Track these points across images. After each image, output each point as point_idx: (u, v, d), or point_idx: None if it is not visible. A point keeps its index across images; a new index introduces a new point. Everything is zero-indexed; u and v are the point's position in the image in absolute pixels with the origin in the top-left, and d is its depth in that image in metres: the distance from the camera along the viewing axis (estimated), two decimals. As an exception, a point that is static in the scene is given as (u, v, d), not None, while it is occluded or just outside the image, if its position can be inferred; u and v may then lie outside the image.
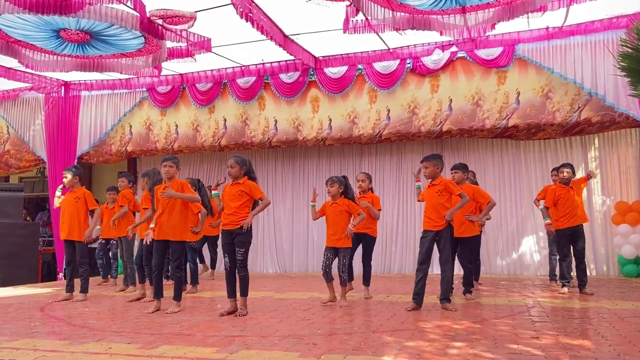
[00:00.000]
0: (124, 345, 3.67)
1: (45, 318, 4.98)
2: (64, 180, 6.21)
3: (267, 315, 4.90)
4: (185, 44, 7.26)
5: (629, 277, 7.58)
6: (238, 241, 4.88)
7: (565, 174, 6.08)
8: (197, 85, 9.39)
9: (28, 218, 11.76)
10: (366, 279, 6.02)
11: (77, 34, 6.64)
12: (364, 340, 3.71)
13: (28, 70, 8.52)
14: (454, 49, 8.02)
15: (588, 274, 7.77)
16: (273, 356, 3.29)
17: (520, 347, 3.45)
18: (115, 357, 3.32)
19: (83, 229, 6.14)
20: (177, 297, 5.24)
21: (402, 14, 6.27)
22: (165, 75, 9.32)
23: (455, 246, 5.59)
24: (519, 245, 8.53)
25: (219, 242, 5.80)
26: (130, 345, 3.69)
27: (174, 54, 7.66)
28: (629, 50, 5.11)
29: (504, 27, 7.17)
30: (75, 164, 9.78)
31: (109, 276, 7.99)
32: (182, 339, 3.87)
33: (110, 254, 7.92)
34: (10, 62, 8.05)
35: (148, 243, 5.41)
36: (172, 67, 8.82)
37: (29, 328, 4.44)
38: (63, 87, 9.95)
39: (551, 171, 6.93)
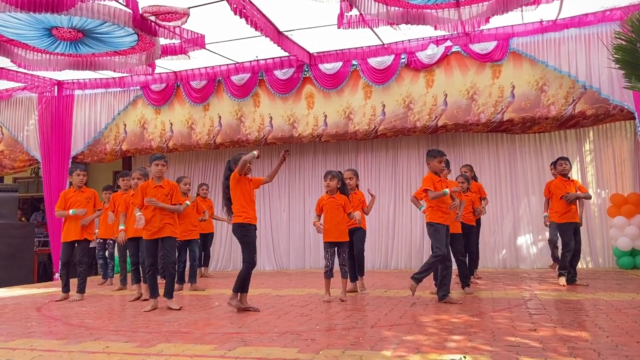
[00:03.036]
0: (121, 344, 3.66)
1: (42, 318, 4.96)
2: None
3: (264, 312, 4.89)
4: (179, 41, 7.22)
5: (625, 269, 7.60)
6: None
7: (563, 166, 6.21)
8: (191, 82, 9.34)
9: (23, 219, 11.70)
10: (360, 267, 6.05)
11: (70, 32, 6.59)
12: (363, 335, 3.71)
13: (21, 69, 8.46)
14: (448, 43, 8.01)
15: (584, 266, 7.83)
16: (271, 352, 3.28)
17: (518, 339, 3.45)
18: (112, 356, 3.30)
19: (93, 228, 6.37)
20: (170, 294, 5.26)
21: (396, 8, 6.25)
22: (159, 74, 9.27)
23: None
24: (516, 239, 8.55)
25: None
26: (127, 343, 3.67)
27: (167, 51, 7.62)
28: (623, 42, 5.11)
29: (498, 21, 7.17)
30: (70, 163, 9.75)
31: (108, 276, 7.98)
32: (179, 337, 3.85)
33: (107, 253, 7.90)
34: (3, 62, 7.99)
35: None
36: (166, 65, 8.78)
37: (26, 328, 4.41)
38: (56, 87, 9.89)
39: (550, 165, 6.97)
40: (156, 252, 5.23)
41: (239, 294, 4.94)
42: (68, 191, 6.39)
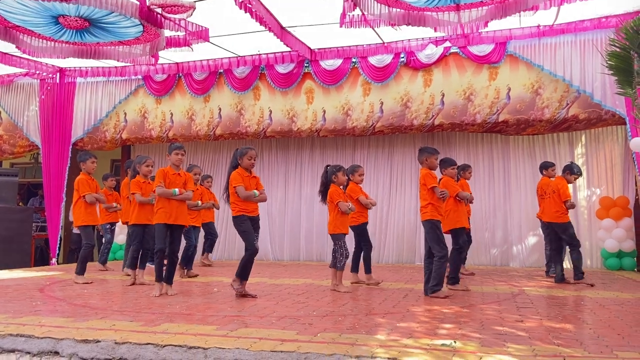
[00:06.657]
0: (127, 323, 3.81)
1: (46, 298, 5.09)
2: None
3: (262, 298, 5.06)
4: (183, 33, 7.33)
5: (611, 270, 7.83)
6: None
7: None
8: (193, 74, 9.45)
9: (20, 204, 11.77)
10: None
11: (76, 20, 6.67)
12: (358, 322, 3.88)
13: (24, 55, 8.53)
14: (447, 44, 8.18)
15: (570, 266, 8.05)
16: (272, 334, 3.45)
17: (505, 329, 3.64)
18: (120, 333, 3.45)
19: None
20: (170, 279, 5.42)
21: (398, 10, 6.40)
22: (162, 64, 9.37)
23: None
24: (507, 237, 8.76)
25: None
26: (132, 322, 3.82)
27: (171, 43, 7.72)
28: (617, 49, 5.30)
29: (496, 25, 7.34)
30: (70, 150, 9.86)
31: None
32: (182, 318, 4.01)
33: (103, 239, 8.02)
34: (7, 47, 8.07)
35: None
36: (169, 56, 8.88)
37: (32, 307, 4.55)
38: (58, 73, 9.96)
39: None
40: (166, 238, 5.38)
41: (239, 278, 5.08)
42: (88, 177, 6.45)
